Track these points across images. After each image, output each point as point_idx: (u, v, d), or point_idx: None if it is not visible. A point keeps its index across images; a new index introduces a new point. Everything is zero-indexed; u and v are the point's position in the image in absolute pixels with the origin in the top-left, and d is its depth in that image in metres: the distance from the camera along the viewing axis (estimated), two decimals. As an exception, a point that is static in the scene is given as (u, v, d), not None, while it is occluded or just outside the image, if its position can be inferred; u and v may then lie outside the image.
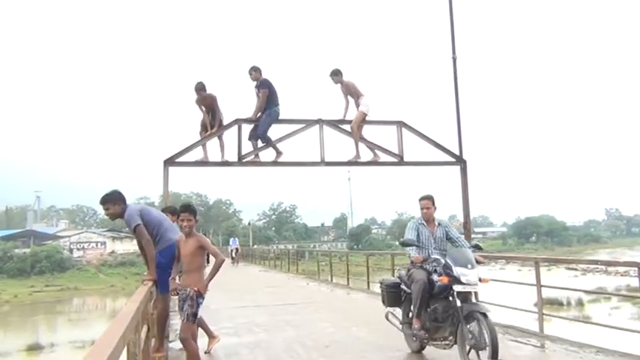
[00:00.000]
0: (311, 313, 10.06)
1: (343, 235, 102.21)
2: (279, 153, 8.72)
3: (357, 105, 9.04)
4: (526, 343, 6.82)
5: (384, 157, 9.21)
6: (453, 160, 9.38)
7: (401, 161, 9.17)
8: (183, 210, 4.89)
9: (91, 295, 49.53)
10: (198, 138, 8.73)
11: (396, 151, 9.14)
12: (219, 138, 8.70)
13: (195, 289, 4.76)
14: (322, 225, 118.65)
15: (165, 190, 8.38)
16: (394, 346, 6.83)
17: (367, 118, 9.10)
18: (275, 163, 8.84)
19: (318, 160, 8.87)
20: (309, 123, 8.93)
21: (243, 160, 8.60)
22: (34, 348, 24.72)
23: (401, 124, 9.23)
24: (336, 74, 9.14)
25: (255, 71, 8.63)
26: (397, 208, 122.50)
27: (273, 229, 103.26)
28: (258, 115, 8.56)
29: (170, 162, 8.21)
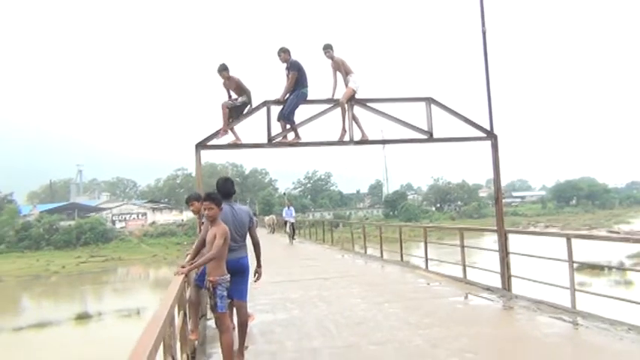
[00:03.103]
0: (344, 287, 10.26)
1: (379, 202, 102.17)
2: (297, 137, 8.77)
3: (346, 82, 8.96)
4: (557, 319, 6.84)
5: (413, 134, 9.16)
6: (484, 135, 9.26)
7: (430, 137, 9.10)
8: (205, 199, 5.07)
9: (134, 265, 51.26)
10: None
11: (426, 128, 9.09)
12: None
13: (211, 279, 4.96)
14: (357, 192, 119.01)
15: (198, 173, 8.55)
16: (424, 323, 6.98)
17: (357, 96, 9.00)
18: (304, 144, 8.90)
19: (347, 139, 8.90)
20: (337, 102, 8.92)
21: (273, 142, 8.70)
22: (83, 317, 25.91)
23: (430, 101, 9.13)
24: (329, 48, 9.05)
25: (284, 52, 8.61)
26: (433, 173, 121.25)
27: (309, 197, 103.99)
28: (286, 97, 8.61)
29: (202, 145, 8.34)
